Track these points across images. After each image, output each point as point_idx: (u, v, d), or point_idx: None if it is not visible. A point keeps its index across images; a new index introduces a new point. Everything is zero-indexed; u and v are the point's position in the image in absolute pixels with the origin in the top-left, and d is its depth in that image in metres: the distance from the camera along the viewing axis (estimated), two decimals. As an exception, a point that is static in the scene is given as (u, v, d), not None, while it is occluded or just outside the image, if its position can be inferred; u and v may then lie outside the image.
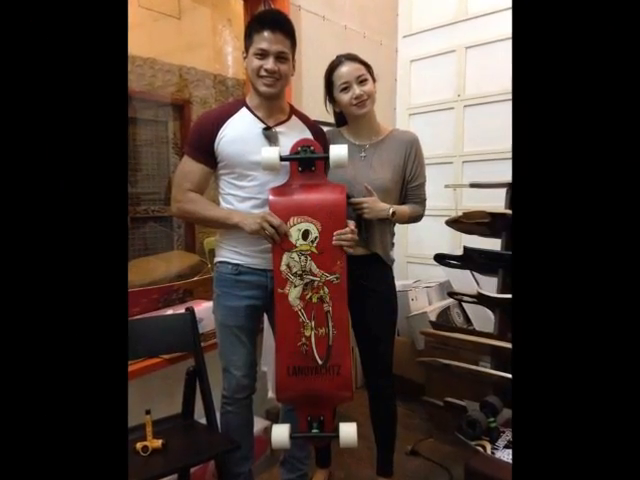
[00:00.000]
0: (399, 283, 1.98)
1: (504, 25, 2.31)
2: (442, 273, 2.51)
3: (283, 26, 1.35)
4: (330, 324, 1.32)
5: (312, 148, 1.34)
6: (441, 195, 2.49)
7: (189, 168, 1.41)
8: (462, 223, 1.98)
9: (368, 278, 1.54)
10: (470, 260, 1.97)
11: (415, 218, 1.61)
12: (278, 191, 1.34)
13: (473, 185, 2.13)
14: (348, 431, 1.33)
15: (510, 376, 1.65)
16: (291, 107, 1.51)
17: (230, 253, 1.45)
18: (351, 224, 1.34)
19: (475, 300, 1.97)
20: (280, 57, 1.34)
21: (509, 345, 1.70)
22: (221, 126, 1.38)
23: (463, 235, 2.22)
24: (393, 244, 1.65)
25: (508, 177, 1.80)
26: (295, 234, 1.31)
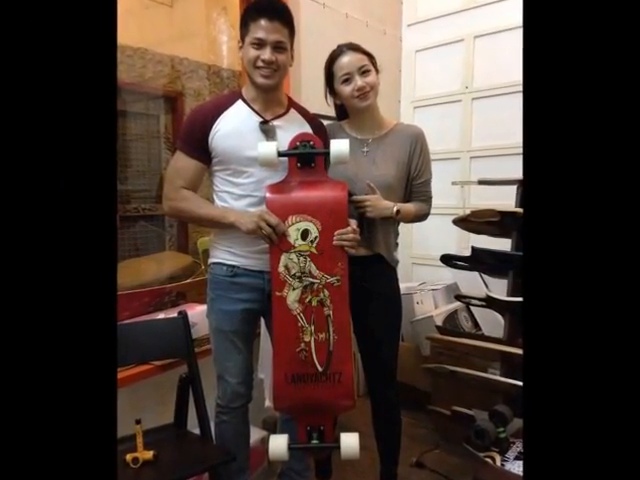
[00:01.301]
0: (403, 285, 1.98)
1: (514, 13, 2.31)
2: (449, 275, 2.52)
3: (281, 14, 1.35)
4: (331, 329, 1.32)
5: (312, 143, 1.34)
6: (448, 192, 2.50)
7: (182, 164, 1.41)
8: (470, 222, 1.98)
9: (371, 280, 1.54)
10: (478, 261, 1.97)
11: (420, 217, 1.62)
12: (276, 188, 1.34)
13: (482, 182, 2.14)
14: (350, 442, 1.33)
15: (521, 384, 1.65)
16: (289, 100, 1.51)
17: (225, 254, 1.45)
18: (353, 223, 1.34)
19: (484, 303, 1.97)
20: (278, 47, 1.35)
21: (519, 351, 1.70)
22: (215, 120, 1.38)
23: (471, 235, 2.22)
24: (397, 244, 1.65)
25: (518, 173, 1.79)
26: (294, 234, 1.31)
